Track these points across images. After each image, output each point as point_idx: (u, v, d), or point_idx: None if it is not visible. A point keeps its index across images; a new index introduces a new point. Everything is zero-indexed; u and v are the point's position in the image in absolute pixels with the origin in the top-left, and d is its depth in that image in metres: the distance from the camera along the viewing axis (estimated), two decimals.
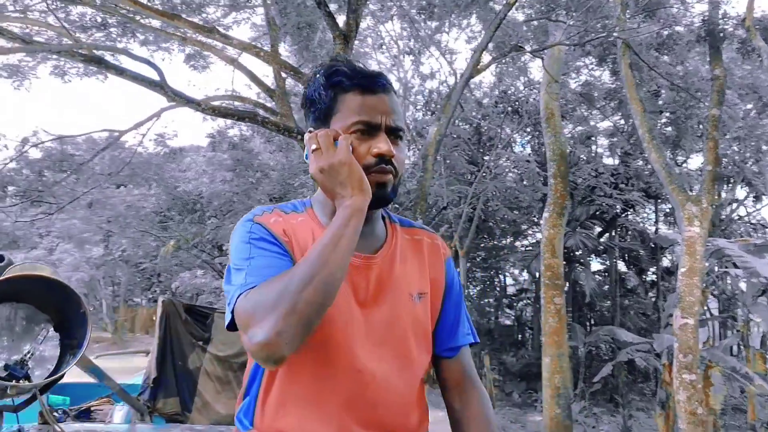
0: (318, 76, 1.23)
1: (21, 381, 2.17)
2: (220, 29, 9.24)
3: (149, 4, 8.71)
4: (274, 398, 1.19)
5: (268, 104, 9.95)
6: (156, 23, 9.38)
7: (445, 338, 1.35)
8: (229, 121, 13.65)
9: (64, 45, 7.96)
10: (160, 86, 6.66)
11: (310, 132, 1.20)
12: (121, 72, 6.95)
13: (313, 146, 1.15)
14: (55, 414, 4.94)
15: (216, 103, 9.16)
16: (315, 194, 1.28)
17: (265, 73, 11.43)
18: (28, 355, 2.25)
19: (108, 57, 9.76)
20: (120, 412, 5.29)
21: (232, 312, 1.07)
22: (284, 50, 11.35)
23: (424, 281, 1.30)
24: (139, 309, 27.37)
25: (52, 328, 2.31)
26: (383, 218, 1.32)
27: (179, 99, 6.97)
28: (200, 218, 16.03)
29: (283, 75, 9.14)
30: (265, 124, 7.87)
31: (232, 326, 1.07)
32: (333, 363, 1.16)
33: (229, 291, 1.11)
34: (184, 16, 9.02)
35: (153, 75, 7.07)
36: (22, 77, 10.16)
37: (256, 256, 1.12)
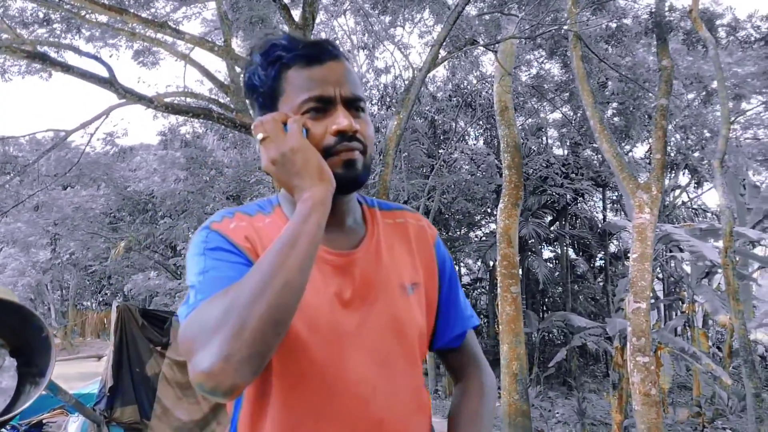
0: (254, 56, 1.08)
1: None
2: (171, 24, 9.01)
3: None
4: None
5: (222, 100, 9.78)
6: (103, 18, 9.07)
7: (450, 327, 1.24)
8: (181, 119, 13.39)
9: (4, 41, 7.60)
10: (109, 83, 6.43)
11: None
12: (67, 69, 6.68)
13: (260, 135, 0.99)
14: (4, 430, 4.73)
15: (168, 99, 8.93)
16: (282, 190, 1.12)
17: (218, 68, 11.22)
18: None
19: (53, 54, 9.41)
20: (75, 423, 5.12)
21: None
22: (236, 45, 11.16)
23: (416, 270, 1.17)
24: (89, 313, 26.54)
25: (8, 354, 1.98)
26: (360, 204, 1.19)
27: (130, 96, 6.75)
28: (152, 218, 15.63)
29: (238, 70, 8.98)
30: (220, 121, 7.73)
31: None
32: (326, 383, 1.01)
33: (180, 314, 0.94)
34: (132, 11, 8.76)
35: (102, 71, 6.84)
36: None
37: (210, 269, 0.96)
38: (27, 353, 2.02)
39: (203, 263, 0.98)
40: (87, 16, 8.87)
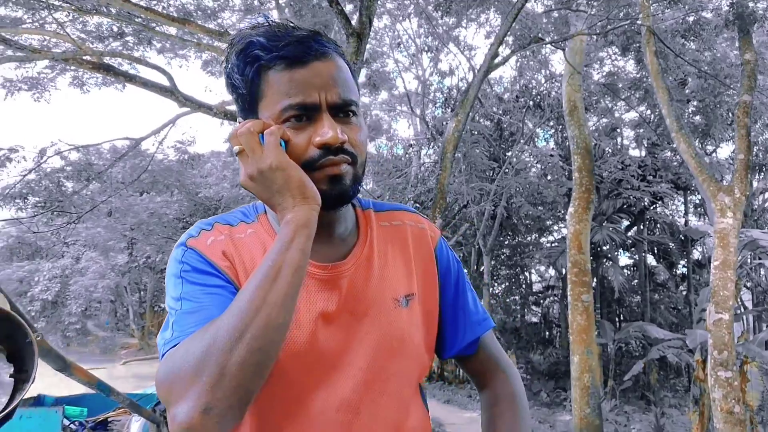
0: (231, 54, 0.95)
1: None
2: (232, 33, 9.18)
3: (164, 11, 8.73)
4: None
5: None
6: (172, 30, 9.37)
7: (460, 335, 1.14)
8: None
9: (69, 53, 7.90)
10: (170, 92, 6.60)
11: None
12: (131, 78, 6.90)
13: (236, 148, 0.89)
14: (71, 426, 4.89)
15: (231, 107, 9.10)
16: None
17: None
18: None
19: (126, 66, 9.83)
20: (137, 423, 5.25)
21: None
22: None
23: (412, 280, 1.07)
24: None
25: (5, 359, 2.02)
26: (353, 206, 1.09)
27: (190, 104, 6.91)
28: None
29: None
30: None
31: None
32: (303, 409, 0.93)
33: (159, 346, 0.88)
34: (199, 22, 9.00)
35: (164, 81, 7.04)
36: (42, 89, 10.21)
37: (187, 296, 0.88)
38: (19, 359, 1.99)
39: (180, 288, 0.90)
40: (157, 28, 9.20)
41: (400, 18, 13.52)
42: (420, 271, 1.09)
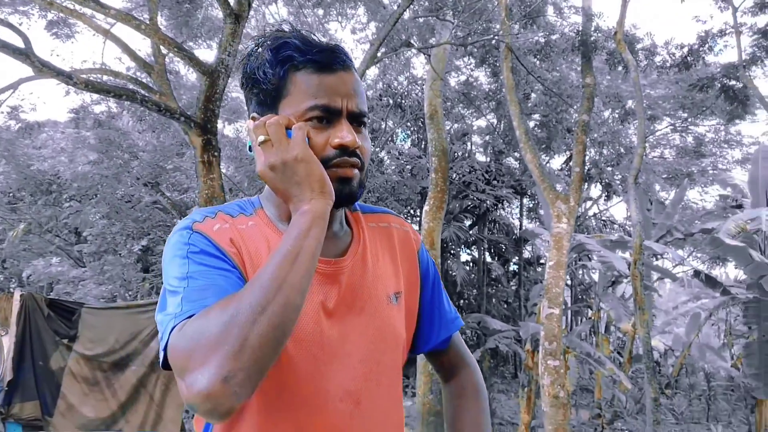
0: (262, 50, 1.01)
1: None
2: None
3: None
4: None
5: (143, 80, 9.25)
6: None
7: (435, 333, 1.23)
8: (95, 97, 12.58)
9: None
10: (25, 55, 5.89)
11: (254, 118, 1.00)
12: None
13: (261, 138, 0.95)
14: None
15: (84, 76, 8.33)
16: (264, 192, 1.09)
17: (137, 47, 10.62)
18: None
19: None
20: None
21: (165, 349, 0.85)
22: (160, 24, 10.62)
23: (399, 279, 1.15)
24: None
25: None
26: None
27: (47, 70, 6.19)
28: (56, 200, 14.65)
29: (164, 51, 8.51)
30: (145, 103, 7.28)
31: (167, 365, 0.85)
32: (308, 398, 0.98)
33: (162, 322, 0.88)
34: None
35: (15, 41, 6.26)
36: None
37: (195, 275, 0.90)
38: None
39: (186, 267, 0.92)
40: None
41: (268, 2, 13.23)
42: (405, 270, 1.18)
